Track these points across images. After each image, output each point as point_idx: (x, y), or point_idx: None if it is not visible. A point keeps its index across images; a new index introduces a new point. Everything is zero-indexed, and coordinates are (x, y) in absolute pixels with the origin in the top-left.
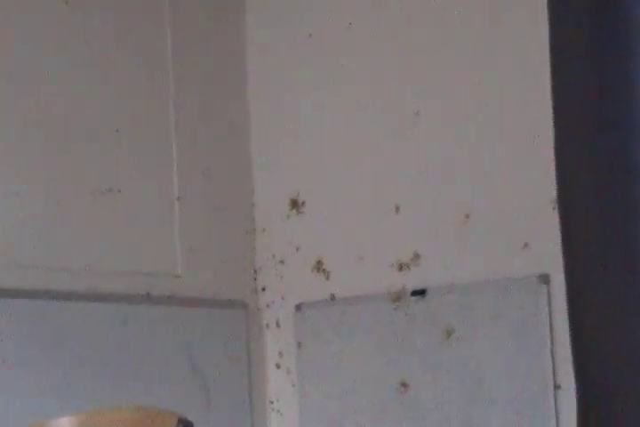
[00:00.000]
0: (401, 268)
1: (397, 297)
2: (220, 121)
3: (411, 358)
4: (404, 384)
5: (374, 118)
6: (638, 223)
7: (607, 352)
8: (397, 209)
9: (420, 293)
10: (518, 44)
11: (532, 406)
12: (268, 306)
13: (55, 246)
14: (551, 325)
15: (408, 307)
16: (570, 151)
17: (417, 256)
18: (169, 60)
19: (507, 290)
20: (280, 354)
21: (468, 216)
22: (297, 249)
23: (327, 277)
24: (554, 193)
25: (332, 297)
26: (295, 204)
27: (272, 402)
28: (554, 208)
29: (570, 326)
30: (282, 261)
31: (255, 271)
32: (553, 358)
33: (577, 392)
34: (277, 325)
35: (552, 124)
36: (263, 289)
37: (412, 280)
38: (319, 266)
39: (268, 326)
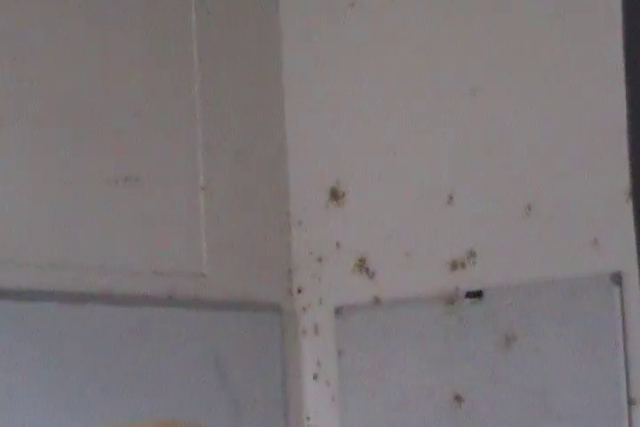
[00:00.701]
0: (454, 267)
1: (450, 300)
2: (250, 101)
3: (466, 368)
4: (458, 398)
5: (424, 97)
6: None
7: None
8: (450, 200)
9: (476, 295)
10: (590, 22)
11: (603, 422)
12: (304, 309)
13: (67, 243)
14: (624, 330)
15: (462, 311)
16: None
17: (472, 254)
18: (193, 34)
19: (574, 291)
20: (318, 363)
21: (529, 208)
22: (337, 246)
23: (371, 278)
24: (627, 183)
25: (377, 300)
26: (335, 194)
27: (309, 418)
28: (627, 200)
29: None
30: (320, 260)
31: (290, 271)
32: (627, 368)
33: None
34: (315, 330)
35: (625, 106)
36: (299, 291)
37: (467, 281)
38: (362, 265)
39: (304, 331)
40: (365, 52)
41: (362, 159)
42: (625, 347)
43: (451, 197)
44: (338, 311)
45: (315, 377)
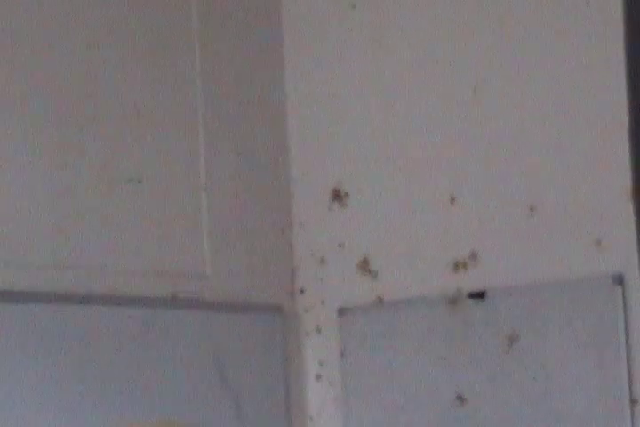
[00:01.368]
0: (457, 267)
1: (453, 300)
2: (252, 101)
3: (468, 368)
4: (461, 398)
5: (426, 98)
6: None
7: None
8: (452, 200)
9: (479, 295)
10: (591, 20)
11: (605, 422)
12: (307, 310)
13: (70, 244)
14: (627, 331)
15: (465, 311)
16: None
17: (475, 254)
18: (195, 33)
19: (576, 292)
20: (321, 364)
21: (532, 208)
22: (340, 246)
23: (374, 278)
24: (629, 183)
25: (380, 300)
26: (337, 195)
27: (312, 418)
28: (629, 201)
29: None
30: (322, 260)
31: (293, 271)
32: (629, 368)
33: None
34: (318, 331)
35: (626, 105)
36: (302, 291)
37: (470, 281)
38: (365, 265)
39: (307, 332)
40: (367, 52)
41: (364, 160)
42: (627, 347)
43: (453, 198)
44: (340, 312)
45: (317, 378)
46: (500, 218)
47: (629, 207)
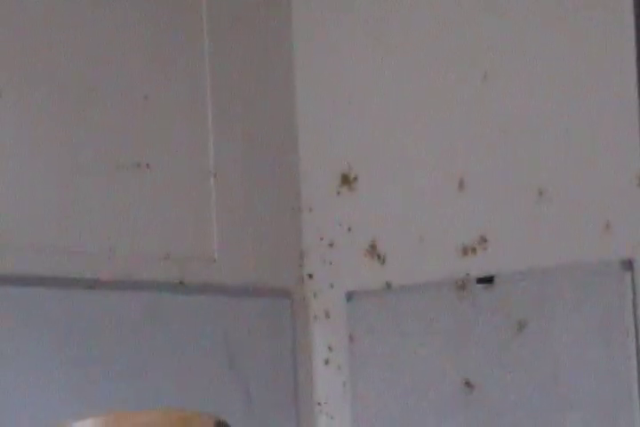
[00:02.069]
0: (466, 252)
1: (462, 285)
2: (261, 86)
3: (477, 354)
4: (469, 384)
5: (435, 82)
6: None
7: None
8: (461, 185)
9: (487, 280)
10: (602, 5)
11: (614, 408)
12: (315, 295)
13: (75, 228)
14: (636, 316)
15: (474, 296)
16: None
17: (484, 239)
18: (203, 17)
19: (585, 277)
20: (329, 349)
21: (541, 193)
22: (348, 230)
23: (382, 263)
24: (639, 167)
25: (388, 285)
26: (346, 179)
27: (320, 404)
28: (639, 184)
29: None
30: (331, 245)
31: (301, 256)
32: (638, 353)
33: None
34: (326, 316)
35: (637, 90)
36: (310, 276)
37: (479, 266)
38: (373, 250)
39: (315, 317)
40: (377, 37)
41: (373, 144)
42: (636, 332)
43: (462, 183)
44: (349, 297)
45: (326, 362)
46: (508, 203)
47: (639, 193)
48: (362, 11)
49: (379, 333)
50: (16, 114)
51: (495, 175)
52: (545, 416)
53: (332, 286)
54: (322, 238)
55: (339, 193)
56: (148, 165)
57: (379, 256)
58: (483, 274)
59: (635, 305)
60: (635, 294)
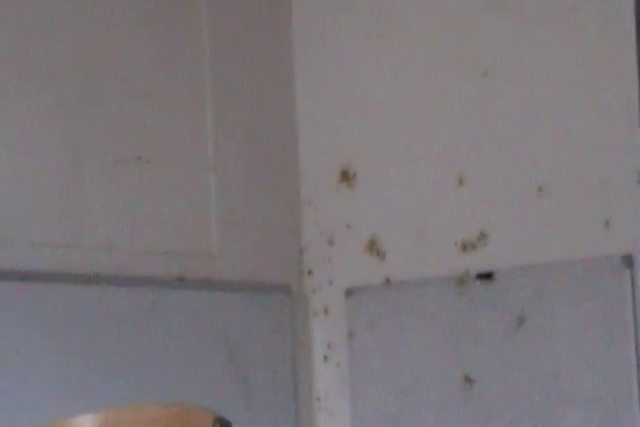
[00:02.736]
0: (465, 248)
1: (461, 281)
2: (261, 82)
3: (476, 349)
4: (468, 380)
5: (435, 78)
6: None
7: None
8: (461, 181)
9: (487, 276)
10: (603, 2)
11: (613, 404)
12: (314, 291)
13: (78, 224)
14: (635, 312)
15: (473, 292)
16: None
17: (483, 235)
18: (203, 14)
19: (585, 273)
20: (329, 345)
21: (541, 189)
22: (348, 226)
23: (382, 259)
24: (639, 163)
25: (388, 281)
26: (346, 175)
27: (319, 399)
28: (639, 180)
29: None
30: (330, 241)
31: (300, 252)
32: (637, 349)
33: None
34: (325, 312)
35: (637, 87)
36: (309, 272)
37: (478, 262)
38: (373, 246)
39: (314, 313)
40: (377, 33)
41: (373, 140)
42: (636, 329)
43: (461, 179)
44: (348, 293)
45: (325, 359)
46: (508, 199)
47: (639, 189)
48: (362, 8)
49: (378, 329)
50: (16, 109)
51: (495, 171)
52: (544, 411)
53: (331, 282)
54: (321, 234)
55: (338, 189)
56: (147, 160)
57: (378, 252)
58: (482, 270)
59: (634, 301)
60: (634, 289)
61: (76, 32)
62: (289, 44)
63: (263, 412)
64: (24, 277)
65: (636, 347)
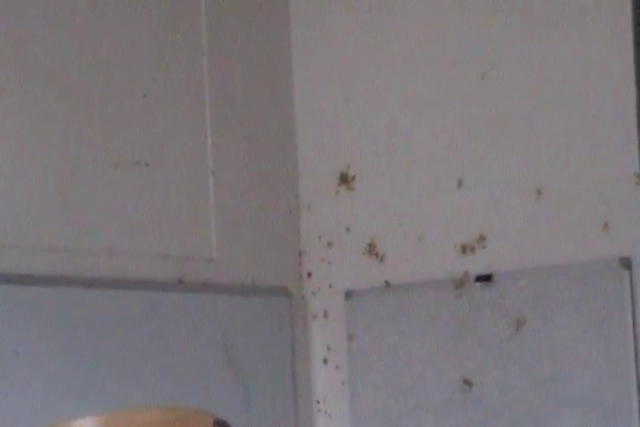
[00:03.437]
0: (464, 250)
1: (460, 283)
2: (260, 85)
3: (475, 352)
4: (467, 382)
5: (434, 81)
6: None
7: None
8: (460, 184)
9: (486, 278)
10: (600, 4)
11: (612, 407)
12: (314, 294)
13: (77, 227)
14: (634, 315)
15: (472, 294)
16: None
17: (482, 237)
18: (202, 17)
19: (584, 276)
20: (328, 348)
21: (540, 192)
22: (347, 229)
23: (381, 262)
24: (637, 166)
25: (387, 284)
26: (345, 178)
27: (319, 402)
28: (637, 183)
29: None
30: (330, 244)
31: (300, 255)
32: (636, 352)
33: None
34: (325, 315)
35: (635, 89)
36: (309, 275)
37: (477, 264)
38: (372, 249)
39: (314, 316)
40: (376, 36)
41: (372, 143)
42: (634, 331)
43: (460, 182)
44: (348, 295)
45: (324, 361)
46: (507, 201)
47: (637, 191)
48: (360, 8)
49: (377, 331)
50: (15, 112)
51: (494, 174)
52: (543, 414)
53: (330, 285)
54: (320, 237)
55: (337, 192)
56: (146, 163)
57: (377, 255)
58: (481, 272)
59: (633, 303)
60: (633, 292)
61: (75, 36)
62: (287, 49)
63: (262, 415)
64: (24, 280)
65: (635, 349)
